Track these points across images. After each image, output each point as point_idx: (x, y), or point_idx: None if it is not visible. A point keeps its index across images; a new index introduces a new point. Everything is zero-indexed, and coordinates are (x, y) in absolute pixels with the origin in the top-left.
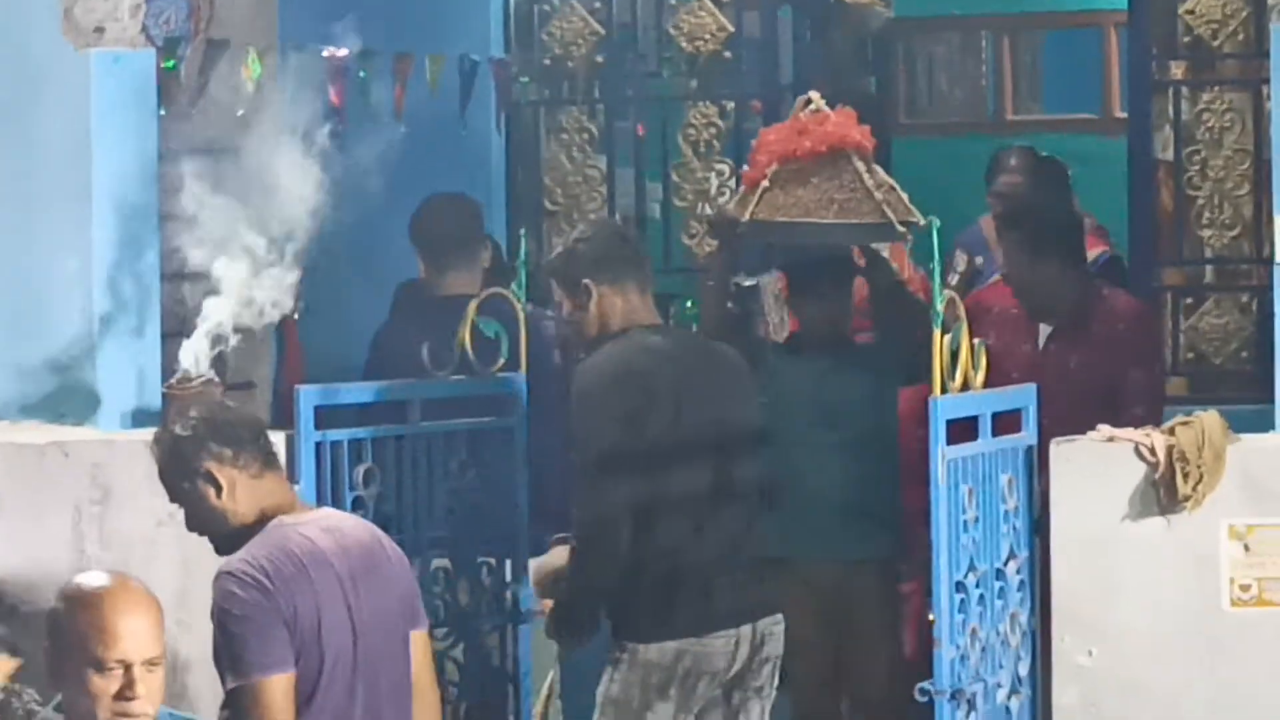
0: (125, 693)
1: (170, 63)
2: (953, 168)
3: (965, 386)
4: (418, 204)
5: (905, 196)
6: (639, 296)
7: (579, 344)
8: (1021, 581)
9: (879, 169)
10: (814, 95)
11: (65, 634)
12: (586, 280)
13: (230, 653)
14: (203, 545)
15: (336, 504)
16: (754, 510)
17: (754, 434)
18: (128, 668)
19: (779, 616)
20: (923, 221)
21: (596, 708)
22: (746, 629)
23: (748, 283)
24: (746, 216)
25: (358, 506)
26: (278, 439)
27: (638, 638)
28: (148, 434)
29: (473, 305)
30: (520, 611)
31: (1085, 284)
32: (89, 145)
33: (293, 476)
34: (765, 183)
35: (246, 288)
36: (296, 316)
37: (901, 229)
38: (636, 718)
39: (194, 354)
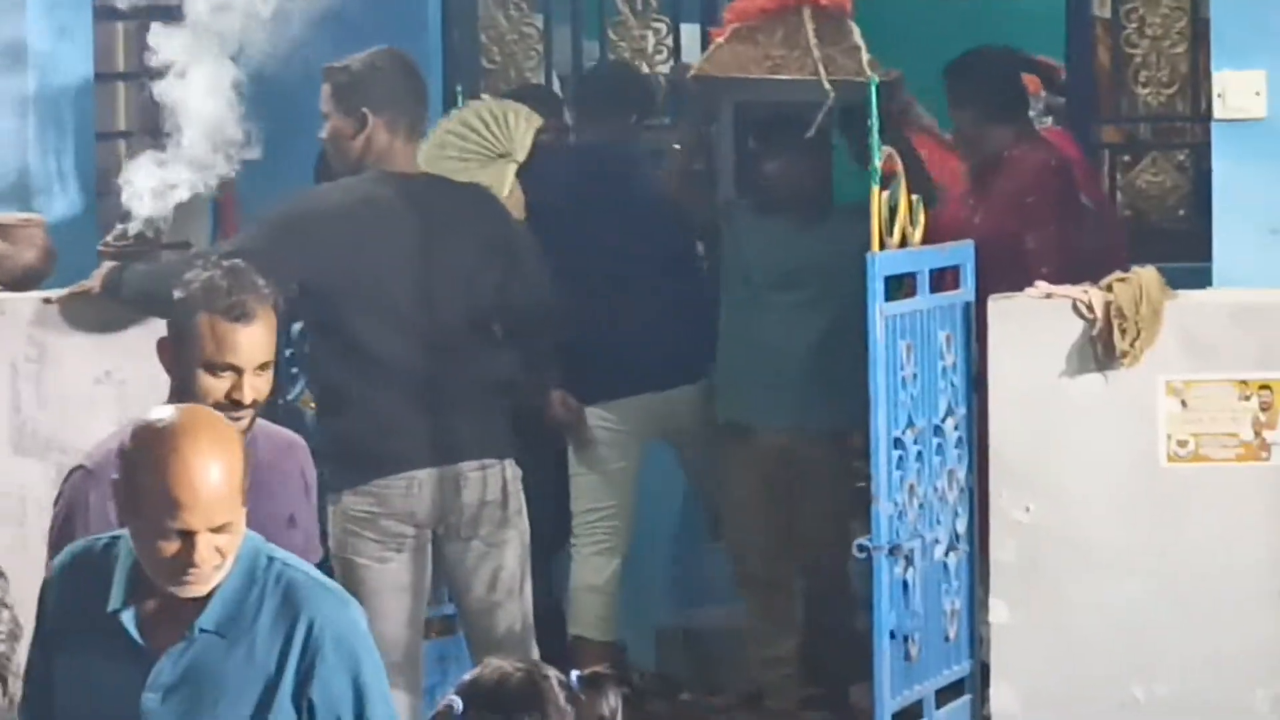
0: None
1: None
2: (907, 30)
3: (904, 243)
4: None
5: (866, 57)
6: (405, 141)
7: (334, 162)
8: (959, 438)
9: (853, 28)
10: None
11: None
12: (366, 110)
13: None
14: (141, 403)
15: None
16: (460, 359)
17: (473, 286)
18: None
19: (484, 461)
20: (873, 76)
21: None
22: (428, 473)
23: (676, 145)
24: (692, 73)
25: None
26: None
27: (334, 487)
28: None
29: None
30: None
31: (1012, 139)
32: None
33: None
34: (720, 40)
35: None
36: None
37: (827, 87)
38: (346, 566)
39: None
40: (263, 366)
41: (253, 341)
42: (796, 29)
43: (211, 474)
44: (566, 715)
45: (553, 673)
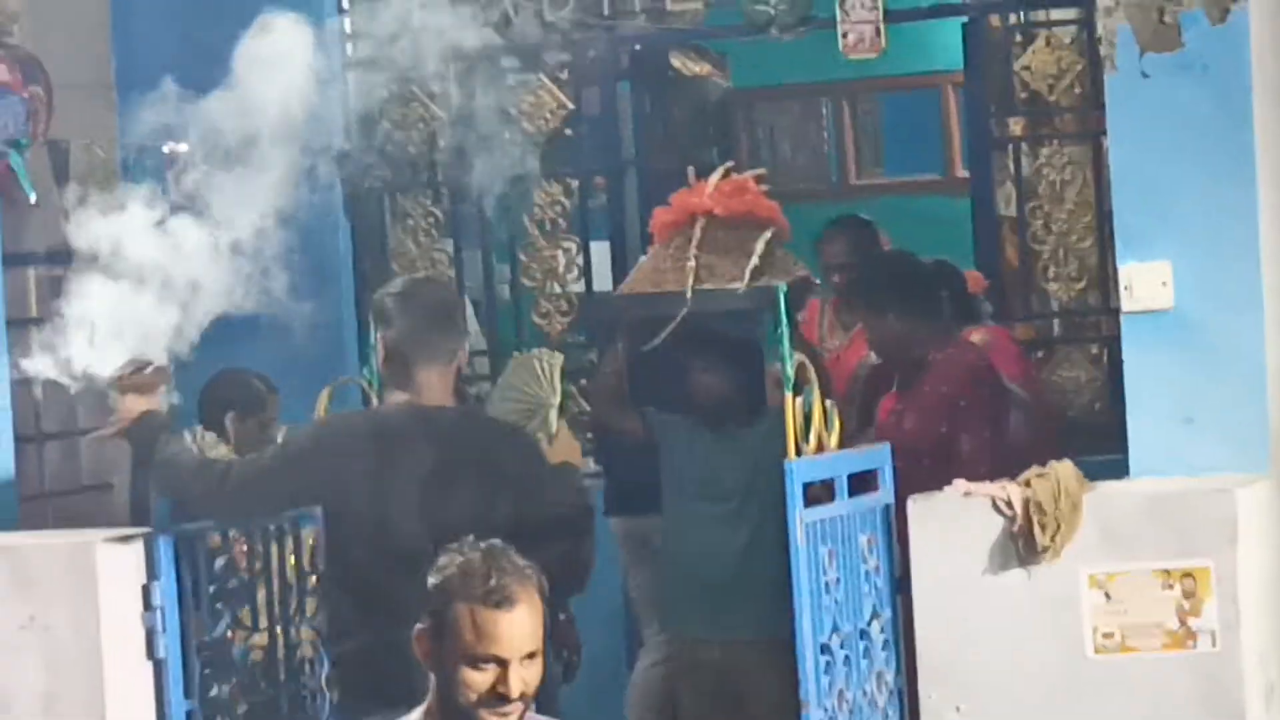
0: None
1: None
2: (799, 235)
3: (821, 448)
4: None
5: (751, 265)
6: (426, 367)
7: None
8: (886, 640)
9: (759, 239)
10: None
11: None
12: (384, 334)
13: None
14: (70, 648)
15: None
16: None
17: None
18: None
19: None
20: (742, 288)
21: None
22: None
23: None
24: (617, 291)
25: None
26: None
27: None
28: (11, 537)
29: (326, 391)
30: None
31: (937, 339)
32: None
33: (153, 573)
34: (643, 258)
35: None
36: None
37: (689, 297)
38: None
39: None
40: (530, 655)
41: (516, 629)
42: (687, 239)
43: None
44: None
45: None
